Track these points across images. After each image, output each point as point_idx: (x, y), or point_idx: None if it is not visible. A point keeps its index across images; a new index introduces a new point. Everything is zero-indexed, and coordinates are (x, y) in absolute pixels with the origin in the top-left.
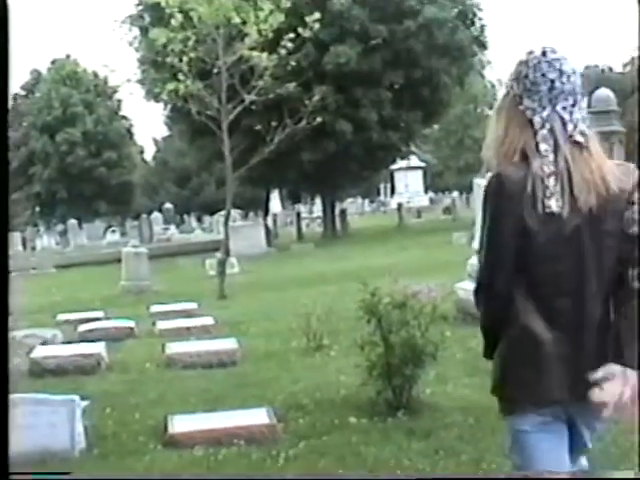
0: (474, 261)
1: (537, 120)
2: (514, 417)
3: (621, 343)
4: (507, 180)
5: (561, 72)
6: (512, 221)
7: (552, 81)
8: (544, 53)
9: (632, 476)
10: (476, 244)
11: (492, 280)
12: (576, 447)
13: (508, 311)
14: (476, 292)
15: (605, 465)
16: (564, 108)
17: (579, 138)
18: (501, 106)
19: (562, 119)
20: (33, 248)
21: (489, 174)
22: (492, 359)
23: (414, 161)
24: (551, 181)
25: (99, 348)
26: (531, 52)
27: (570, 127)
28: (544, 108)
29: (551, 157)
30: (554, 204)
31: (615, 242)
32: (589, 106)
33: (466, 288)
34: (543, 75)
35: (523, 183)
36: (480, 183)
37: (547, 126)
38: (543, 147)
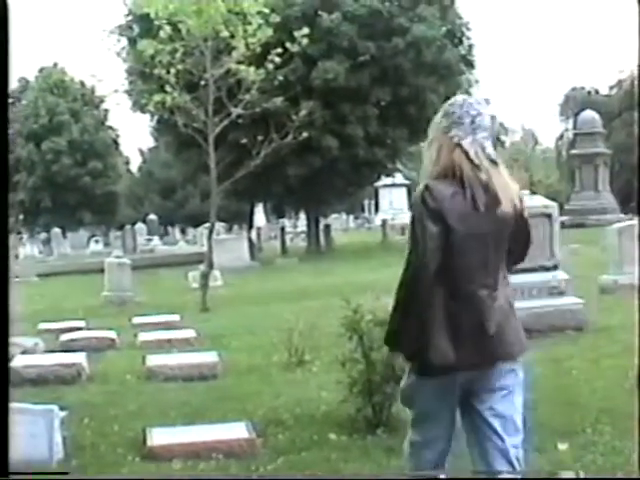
0: None
1: (465, 144)
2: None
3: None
4: (435, 190)
5: (479, 112)
6: (440, 221)
7: (473, 117)
8: (469, 97)
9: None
10: None
11: (426, 265)
12: (479, 410)
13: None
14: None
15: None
16: (483, 137)
17: (494, 158)
18: (432, 137)
19: (482, 145)
20: (16, 256)
21: None
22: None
23: (399, 178)
24: (480, 190)
25: (80, 358)
26: (457, 99)
27: (488, 151)
28: (468, 136)
29: (476, 172)
30: (481, 206)
31: (510, 232)
32: (575, 127)
33: None
34: (467, 112)
35: (450, 192)
36: None
37: (473, 149)
38: (471, 165)
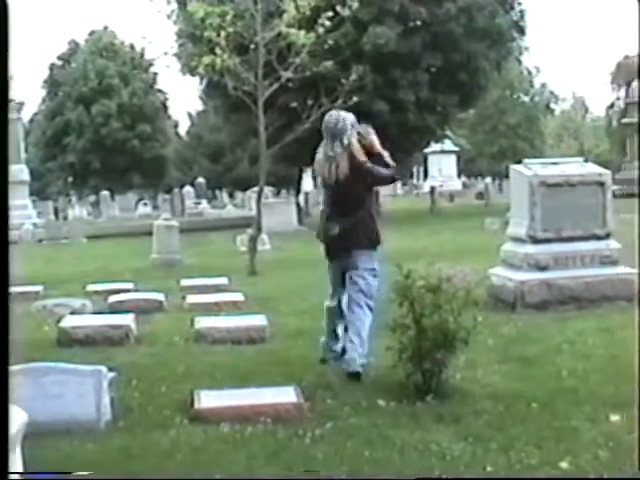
0: (508, 247)
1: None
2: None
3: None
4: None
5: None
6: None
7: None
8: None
9: None
10: (510, 230)
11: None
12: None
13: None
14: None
15: None
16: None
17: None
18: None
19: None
20: (65, 218)
21: (526, 161)
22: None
23: (448, 145)
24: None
25: (128, 320)
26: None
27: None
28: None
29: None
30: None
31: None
32: (626, 96)
33: (499, 274)
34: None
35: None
36: (517, 169)
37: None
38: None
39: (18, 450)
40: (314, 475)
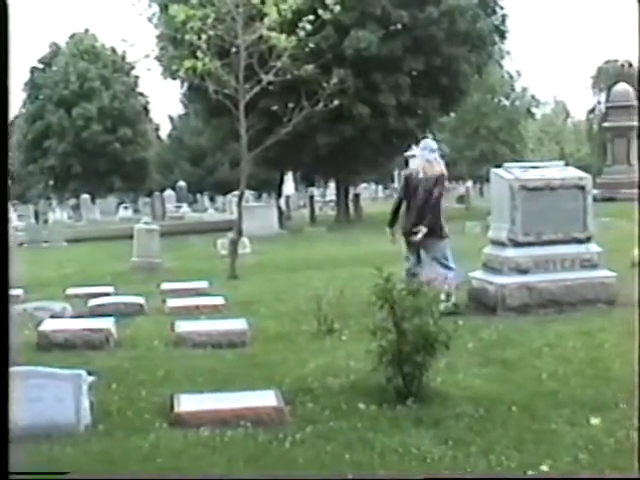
0: (488, 250)
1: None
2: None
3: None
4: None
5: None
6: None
7: None
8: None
9: None
10: (491, 233)
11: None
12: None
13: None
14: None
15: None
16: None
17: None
18: None
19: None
20: (45, 221)
21: (506, 164)
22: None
23: None
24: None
25: (108, 324)
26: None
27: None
28: None
29: None
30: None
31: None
32: (607, 100)
33: (480, 277)
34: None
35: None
36: (498, 173)
37: None
38: None
39: None
40: (315, 475)
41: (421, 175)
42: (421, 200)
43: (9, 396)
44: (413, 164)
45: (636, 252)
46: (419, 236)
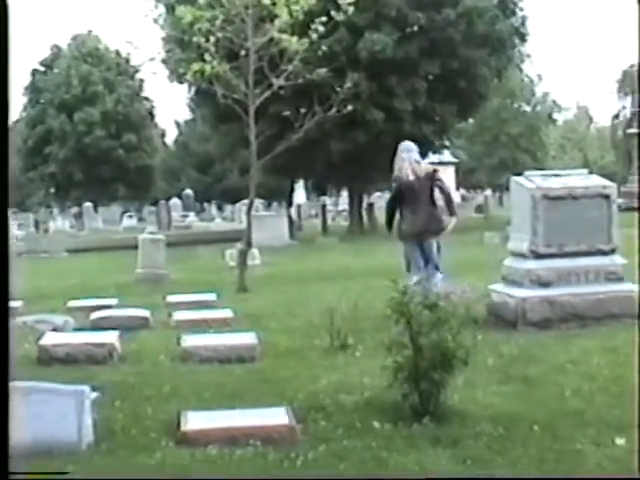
0: (509, 262)
1: None
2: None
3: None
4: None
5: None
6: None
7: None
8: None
9: None
10: (511, 244)
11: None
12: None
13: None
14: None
15: None
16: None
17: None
18: None
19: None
20: (46, 230)
21: (527, 173)
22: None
23: (446, 156)
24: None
25: (112, 338)
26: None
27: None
28: None
29: None
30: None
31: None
32: (632, 106)
33: (500, 290)
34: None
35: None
36: (518, 181)
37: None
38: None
39: None
40: (320, 475)
41: (411, 177)
42: (426, 197)
43: (9, 395)
44: (400, 169)
45: None
46: (451, 226)
